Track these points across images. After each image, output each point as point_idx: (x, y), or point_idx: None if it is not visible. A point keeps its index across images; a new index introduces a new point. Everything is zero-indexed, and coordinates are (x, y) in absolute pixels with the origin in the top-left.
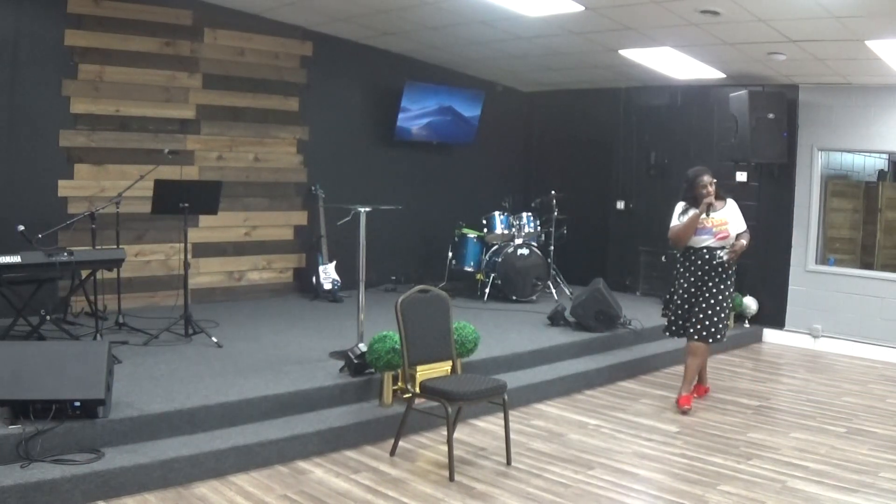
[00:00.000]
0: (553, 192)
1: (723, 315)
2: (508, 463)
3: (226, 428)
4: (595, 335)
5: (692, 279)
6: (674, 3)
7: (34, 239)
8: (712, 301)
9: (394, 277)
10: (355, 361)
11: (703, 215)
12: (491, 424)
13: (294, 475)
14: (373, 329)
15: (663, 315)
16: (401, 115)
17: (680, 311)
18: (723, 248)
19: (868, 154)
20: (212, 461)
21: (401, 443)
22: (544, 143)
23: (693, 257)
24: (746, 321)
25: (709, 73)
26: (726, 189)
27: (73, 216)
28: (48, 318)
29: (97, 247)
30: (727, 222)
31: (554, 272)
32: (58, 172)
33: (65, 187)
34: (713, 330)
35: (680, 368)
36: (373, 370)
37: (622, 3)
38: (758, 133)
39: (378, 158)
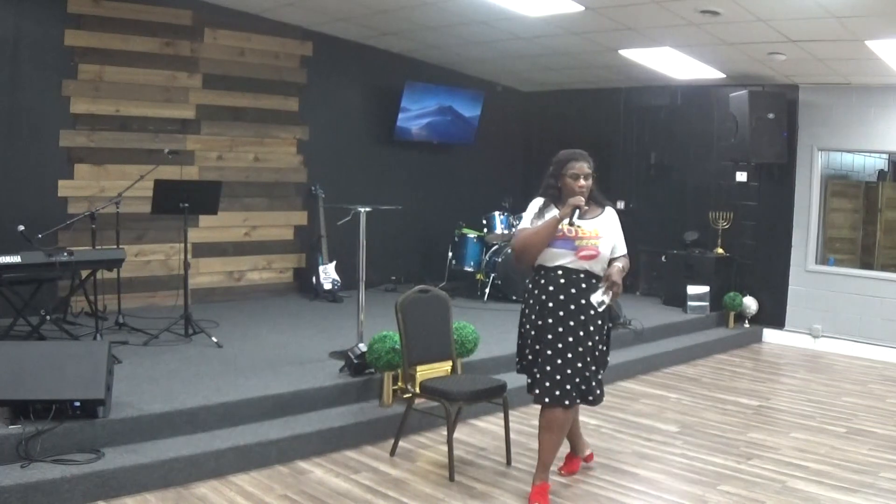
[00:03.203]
0: None
1: (595, 369)
2: (508, 463)
3: (226, 428)
4: None
5: (544, 314)
6: (674, 3)
7: (34, 239)
8: (585, 348)
9: (394, 277)
10: (355, 361)
11: (566, 222)
12: (491, 424)
13: (294, 475)
14: (373, 329)
15: (520, 369)
16: (401, 115)
17: (532, 356)
18: (592, 279)
19: (868, 154)
20: (212, 461)
21: (401, 443)
22: (544, 143)
23: (542, 282)
24: (746, 321)
25: (709, 73)
26: (730, 193)
27: (73, 216)
28: (48, 318)
29: (97, 247)
30: (600, 236)
31: None
32: (58, 172)
33: (65, 187)
34: (591, 391)
35: (681, 369)
36: (373, 370)
37: (622, 3)
38: (758, 133)
39: (378, 158)
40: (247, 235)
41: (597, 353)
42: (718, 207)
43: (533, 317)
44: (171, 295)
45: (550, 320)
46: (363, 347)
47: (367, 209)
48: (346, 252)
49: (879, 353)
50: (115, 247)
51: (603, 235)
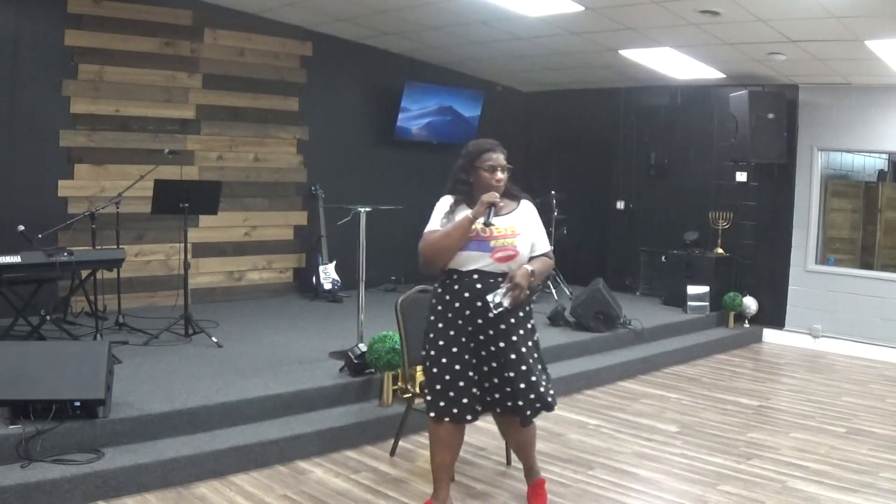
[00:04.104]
0: (553, 192)
1: (543, 372)
2: (508, 463)
3: (226, 428)
4: (595, 335)
5: (464, 325)
6: (674, 3)
7: (34, 239)
8: (520, 352)
9: (394, 277)
10: (355, 361)
11: (480, 222)
12: (491, 424)
13: (294, 475)
14: (373, 329)
15: (427, 391)
16: (401, 115)
17: (466, 380)
18: (503, 277)
19: (868, 154)
20: (212, 461)
21: (401, 443)
22: (544, 143)
23: (457, 287)
24: (746, 321)
25: (709, 73)
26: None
27: (73, 216)
28: (48, 318)
29: (97, 247)
30: (517, 233)
31: (554, 272)
32: (58, 172)
33: (65, 187)
34: (546, 398)
35: (681, 369)
36: (373, 370)
37: (622, 3)
38: (758, 133)
39: (378, 158)
40: (247, 235)
41: (523, 367)
42: (718, 207)
43: (440, 325)
44: (171, 295)
45: (470, 328)
46: (363, 347)
47: (367, 209)
48: (346, 252)
49: (879, 353)
50: (115, 247)
51: (521, 232)
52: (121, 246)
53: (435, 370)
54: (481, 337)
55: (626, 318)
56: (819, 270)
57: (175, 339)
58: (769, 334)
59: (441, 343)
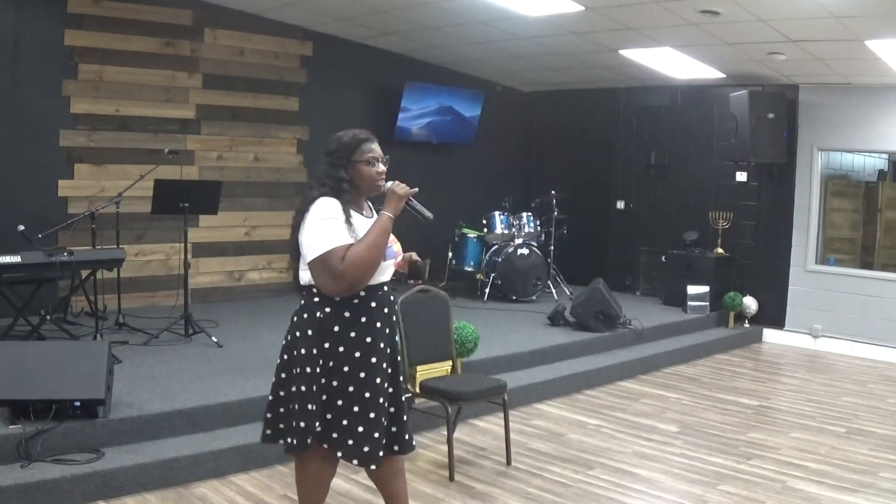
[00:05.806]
0: (553, 192)
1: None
2: (508, 463)
3: (226, 428)
4: (595, 335)
5: (385, 348)
6: (674, 3)
7: (34, 239)
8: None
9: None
10: None
11: (427, 215)
12: (491, 424)
13: (294, 475)
14: None
15: (301, 431)
16: (401, 115)
17: (374, 414)
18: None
19: (868, 154)
20: (212, 461)
21: None
22: (544, 143)
23: (374, 305)
24: (746, 321)
25: (709, 73)
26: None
27: (73, 216)
28: (48, 318)
29: (97, 247)
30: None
31: (554, 272)
32: (58, 172)
33: (65, 187)
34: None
35: (681, 369)
36: None
37: (622, 3)
38: (758, 133)
39: None
40: (247, 235)
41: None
42: (718, 207)
43: (340, 349)
44: (171, 295)
45: (388, 350)
46: None
47: None
48: None
49: (879, 353)
50: (115, 247)
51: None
52: (121, 246)
53: (356, 409)
54: (385, 364)
55: (626, 318)
56: (819, 270)
57: (175, 339)
58: (769, 334)
59: (362, 375)
